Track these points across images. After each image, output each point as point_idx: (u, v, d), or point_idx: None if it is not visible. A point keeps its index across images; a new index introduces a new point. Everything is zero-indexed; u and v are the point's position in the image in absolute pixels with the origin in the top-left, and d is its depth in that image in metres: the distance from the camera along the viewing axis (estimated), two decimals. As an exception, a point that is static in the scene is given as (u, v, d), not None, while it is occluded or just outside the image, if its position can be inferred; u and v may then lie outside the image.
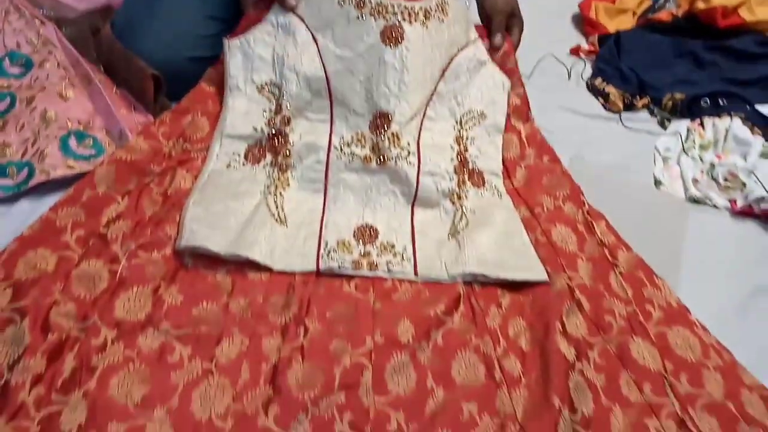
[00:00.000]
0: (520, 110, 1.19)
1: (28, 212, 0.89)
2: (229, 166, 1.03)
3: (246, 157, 1.05)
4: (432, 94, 1.09)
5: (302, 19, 1.06)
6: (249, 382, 0.75)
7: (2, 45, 1.07)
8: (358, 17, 1.03)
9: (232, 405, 0.73)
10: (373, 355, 0.81)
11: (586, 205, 1.07)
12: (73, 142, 0.95)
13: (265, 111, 1.07)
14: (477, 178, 1.09)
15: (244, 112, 1.07)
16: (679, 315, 0.93)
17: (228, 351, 0.78)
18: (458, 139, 1.10)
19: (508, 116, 1.17)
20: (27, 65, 1.05)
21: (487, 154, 1.12)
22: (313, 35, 1.05)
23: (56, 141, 0.94)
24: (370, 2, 1.03)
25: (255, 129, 1.06)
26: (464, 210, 1.02)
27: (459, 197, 1.04)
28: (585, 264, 0.98)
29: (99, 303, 0.79)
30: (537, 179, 1.12)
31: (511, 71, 1.20)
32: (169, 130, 1.04)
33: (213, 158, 1.03)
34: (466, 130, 1.12)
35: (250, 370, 0.77)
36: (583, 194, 1.10)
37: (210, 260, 0.88)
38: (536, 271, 0.95)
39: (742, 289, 1.03)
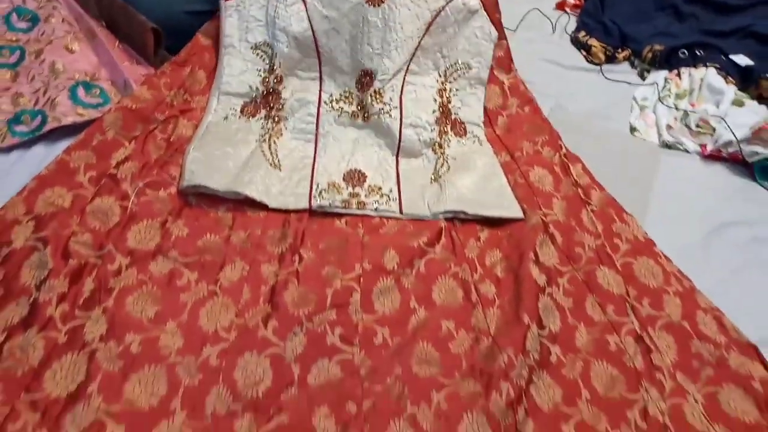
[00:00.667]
0: (502, 61, 1.25)
1: (43, 156, 0.97)
2: (226, 118, 1.11)
3: (242, 111, 1.12)
4: (416, 49, 1.14)
5: None
6: (250, 301, 0.84)
7: (10, 1, 1.12)
8: None
9: (235, 320, 0.82)
10: (362, 280, 0.90)
11: (564, 149, 1.15)
12: (81, 92, 1.02)
13: (259, 70, 1.14)
14: (459, 128, 1.17)
15: (240, 71, 1.13)
16: (645, 247, 1.01)
17: (230, 275, 0.87)
18: (441, 92, 1.17)
19: (492, 68, 1.23)
20: (33, 20, 1.11)
21: (469, 106, 1.19)
22: None
23: (66, 91, 1.01)
24: None
25: (250, 87, 1.13)
26: (446, 157, 1.10)
27: (440, 146, 1.11)
28: (560, 202, 1.06)
29: (112, 234, 0.87)
30: (518, 126, 1.20)
31: (497, 21, 1.25)
32: (170, 80, 1.10)
33: (211, 111, 1.11)
34: (450, 82, 1.18)
35: (251, 292, 0.85)
36: (561, 139, 1.17)
37: (212, 199, 0.96)
38: (512, 209, 1.03)
39: (706, 225, 1.11)
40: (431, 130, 1.11)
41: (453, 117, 1.17)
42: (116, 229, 0.88)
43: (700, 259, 1.04)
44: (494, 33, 1.22)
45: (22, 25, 1.11)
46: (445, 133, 1.14)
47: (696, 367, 0.86)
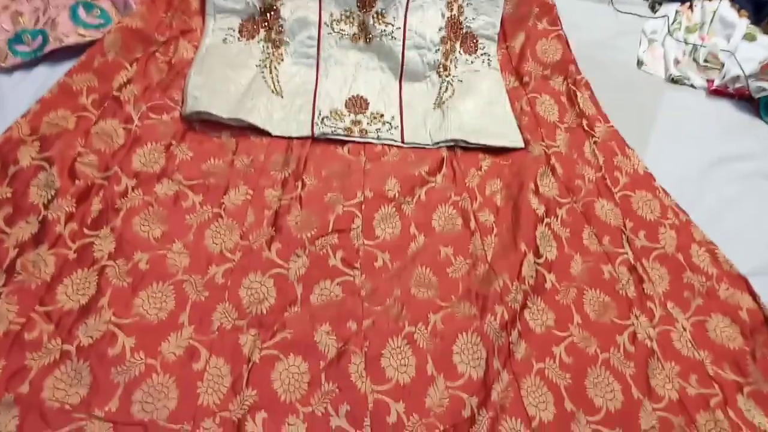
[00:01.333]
0: None
1: (45, 77, 0.96)
2: (225, 40, 1.09)
3: (240, 32, 1.10)
4: None
5: None
6: (254, 224, 0.86)
7: None
8: None
9: (240, 242, 0.84)
10: (363, 207, 0.92)
11: (572, 77, 1.13)
12: (81, 12, 1.00)
13: None
14: (469, 43, 1.14)
15: None
16: (644, 181, 1.02)
17: (234, 199, 0.89)
18: (450, 4, 1.12)
19: None
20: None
21: (486, 15, 1.15)
22: None
23: (66, 10, 0.99)
24: None
25: (247, 3, 1.10)
26: (450, 81, 1.09)
27: (446, 68, 1.10)
28: (563, 134, 1.06)
29: (117, 156, 0.88)
30: (532, 43, 1.17)
31: None
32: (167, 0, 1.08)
33: (209, 33, 1.09)
34: None
35: (255, 215, 0.87)
36: (573, 61, 1.16)
37: (215, 124, 0.97)
38: (514, 139, 1.03)
39: (706, 158, 1.11)
40: (435, 51, 1.09)
41: (464, 31, 1.14)
42: (121, 151, 0.89)
43: (698, 191, 1.05)
44: None
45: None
46: (452, 51, 1.12)
47: (686, 297, 0.89)
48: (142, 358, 0.71)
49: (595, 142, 1.06)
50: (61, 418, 0.65)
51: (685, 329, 0.85)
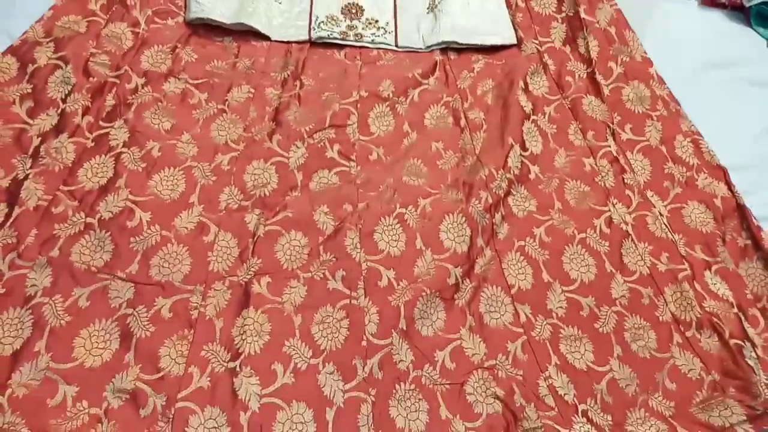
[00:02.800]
0: None
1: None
2: None
3: None
4: None
5: None
6: (256, 118, 0.93)
7: None
8: None
9: (243, 134, 0.91)
10: (359, 105, 0.97)
11: None
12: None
13: None
14: None
15: None
16: (640, 69, 1.05)
17: (237, 96, 0.95)
18: None
19: None
20: None
21: None
22: None
23: None
24: None
25: None
26: None
27: None
28: (559, 26, 1.09)
29: (127, 57, 0.94)
30: None
31: None
32: None
33: None
34: None
35: (256, 110, 0.93)
36: None
37: (218, 29, 1.02)
38: (506, 36, 1.07)
39: (696, 65, 1.14)
40: None
41: None
42: (130, 52, 0.95)
43: (686, 92, 1.08)
44: None
45: None
46: None
47: (666, 187, 0.94)
48: (157, 230, 0.78)
49: (589, 32, 1.07)
50: (88, 278, 0.73)
51: (662, 215, 0.91)
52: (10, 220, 0.76)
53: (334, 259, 0.80)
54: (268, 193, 0.85)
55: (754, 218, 0.90)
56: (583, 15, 1.08)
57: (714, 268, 0.87)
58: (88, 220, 0.77)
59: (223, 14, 1.00)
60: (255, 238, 0.80)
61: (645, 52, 1.06)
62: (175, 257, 0.77)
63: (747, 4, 1.22)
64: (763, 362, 0.76)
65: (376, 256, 0.81)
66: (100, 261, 0.75)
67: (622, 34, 1.08)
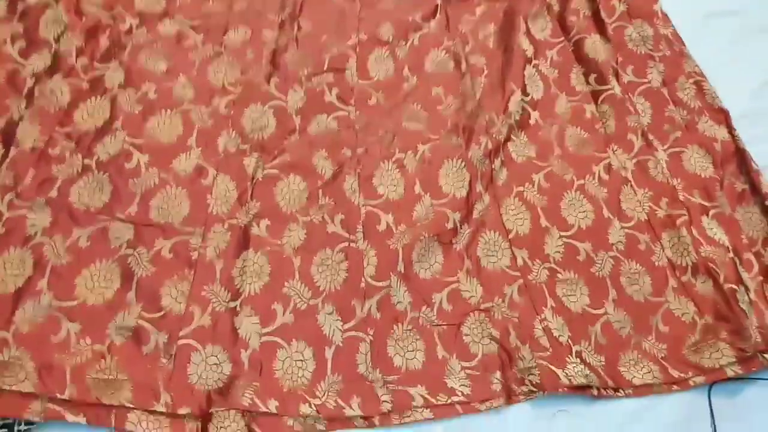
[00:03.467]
0: None
1: None
2: None
3: None
4: None
5: None
6: (253, 60, 0.91)
7: None
8: None
9: (240, 77, 0.89)
10: (358, 48, 0.96)
11: None
12: None
13: None
14: None
15: None
16: (643, 6, 1.03)
17: (234, 38, 0.93)
18: None
19: None
20: None
21: None
22: None
23: None
24: None
25: None
26: None
27: None
28: None
29: (120, -4, 0.92)
30: None
31: None
32: None
33: None
34: None
35: (254, 53, 0.92)
36: None
37: (213, -31, 0.99)
38: None
39: (699, 12, 1.12)
40: None
41: None
42: (123, -9, 0.92)
43: (690, 43, 1.05)
44: None
45: None
46: None
47: (666, 131, 0.93)
48: (156, 172, 0.78)
49: None
50: (87, 219, 0.73)
51: (661, 159, 0.91)
52: (7, 161, 0.75)
53: (333, 203, 0.80)
54: (266, 137, 0.84)
55: (754, 162, 0.89)
56: None
57: (711, 213, 0.86)
58: (86, 161, 0.77)
59: (218, -47, 0.97)
60: (254, 182, 0.80)
61: None
62: (174, 199, 0.77)
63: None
64: (755, 306, 0.77)
65: (375, 201, 0.81)
66: (99, 202, 0.75)
67: None
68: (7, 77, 0.82)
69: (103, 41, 0.87)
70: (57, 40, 0.85)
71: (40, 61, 0.83)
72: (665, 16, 1.01)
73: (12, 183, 0.74)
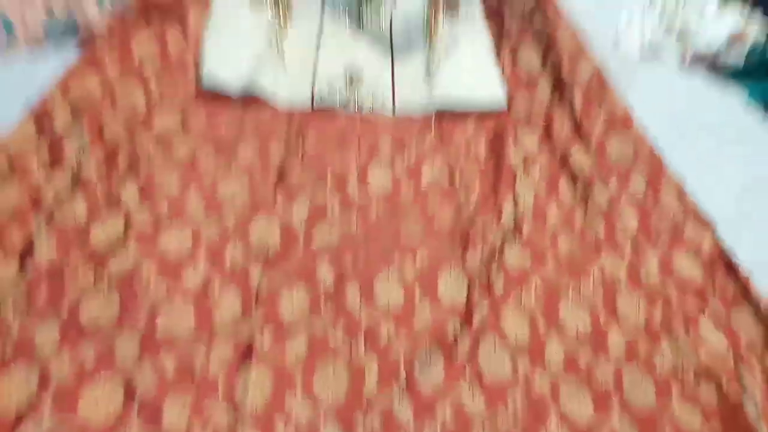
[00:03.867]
0: None
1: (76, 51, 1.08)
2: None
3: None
4: None
5: None
6: (260, 177, 0.97)
7: None
8: None
9: (248, 191, 0.95)
10: (358, 164, 1.02)
11: (551, 14, 1.20)
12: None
13: None
14: (452, 4, 1.23)
15: None
16: (622, 122, 1.10)
17: (243, 155, 1.00)
18: None
19: None
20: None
21: None
22: None
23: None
24: None
25: None
26: (437, 46, 1.18)
27: (432, 38, 1.19)
28: (545, 82, 1.15)
29: (140, 121, 1.00)
30: None
31: None
32: None
33: None
34: None
35: (261, 170, 0.98)
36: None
37: (225, 96, 1.07)
38: (497, 98, 1.13)
39: (676, 126, 1.19)
40: (423, 19, 1.19)
41: None
42: (143, 116, 1.00)
43: (668, 154, 1.12)
44: None
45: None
46: (437, 20, 1.20)
47: (654, 236, 0.97)
48: (164, 287, 0.81)
49: (573, 88, 1.13)
50: (95, 334, 0.75)
51: (651, 264, 0.94)
52: (21, 277, 0.78)
53: (334, 312, 0.82)
54: (270, 249, 0.88)
55: (741, 268, 0.92)
56: (565, 71, 1.13)
57: (707, 315, 0.88)
58: (98, 276, 0.80)
59: (233, 85, 1.06)
60: (258, 294, 0.83)
61: (626, 106, 1.11)
62: (180, 313, 0.79)
63: (725, 65, 1.29)
64: (764, 414, 0.77)
65: (376, 309, 0.83)
66: (107, 317, 0.77)
67: (603, 89, 1.12)
68: (29, 196, 0.87)
69: (122, 161, 0.94)
70: (79, 159, 0.91)
71: (61, 180, 0.89)
72: (643, 129, 1.08)
73: (23, 299, 0.76)
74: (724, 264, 0.94)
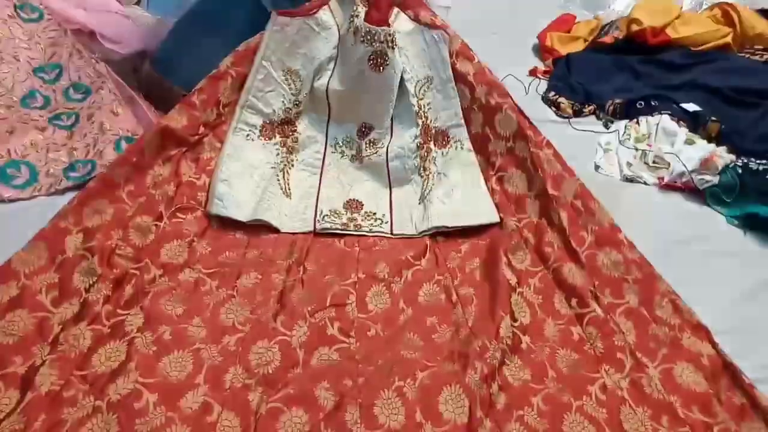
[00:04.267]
0: (463, 52, 1.33)
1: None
2: (247, 137, 1.29)
3: (261, 131, 1.31)
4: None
5: (339, 30, 1.30)
6: (262, 301, 1.00)
7: (68, 78, 1.37)
8: (352, 44, 1.29)
9: (250, 316, 0.97)
10: (357, 286, 1.06)
11: (534, 138, 1.23)
12: (124, 144, 1.23)
13: (284, 96, 1.32)
14: (442, 139, 1.32)
15: (268, 90, 1.30)
16: (609, 236, 1.12)
17: (245, 282, 1.03)
18: (419, 113, 1.30)
19: (453, 63, 1.31)
20: (87, 92, 1.35)
21: (445, 109, 1.32)
22: (337, 52, 1.30)
23: (112, 144, 1.22)
24: (360, 30, 1.27)
25: (273, 110, 1.31)
26: (430, 176, 1.27)
27: (425, 168, 1.28)
28: (532, 202, 1.20)
29: (148, 249, 1.05)
30: (489, 118, 1.28)
31: (443, 26, 1.34)
32: (206, 96, 1.27)
33: (232, 130, 1.28)
34: (421, 98, 1.32)
35: (262, 295, 1.01)
36: (531, 127, 1.26)
37: (231, 224, 1.14)
38: (490, 215, 1.19)
39: (662, 241, 1.25)
40: (414, 157, 1.29)
41: (433, 131, 1.31)
42: (152, 245, 1.06)
43: (658, 269, 1.16)
44: (439, 34, 1.31)
45: (78, 96, 1.35)
46: (429, 152, 1.29)
47: (653, 348, 0.97)
48: (162, 411, 0.81)
49: (559, 206, 1.16)
50: (90, 462, 0.74)
51: (653, 377, 0.93)
52: (21, 406, 0.78)
53: (334, 434, 0.81)
54: (271, 371, 0.89)
55: (745, 376, 0.91)
56: (550, 191, 1.17)
57: (716, 429, 0.86)
58: (97, 403, 0.80)
59: (241, 214, 1.14)
60: (257, 416, 0.82)
61: (612, 220, 1.15)
62: (179, 437, 0.78)
63: (700, 187, 1.37)
64: None
65: (377, 431, 0.82)
66: (104, 443, 0.76)
67: (588, 205, 1.16)
68: (36, 325, 0.89)
69: (128, 289, 0.97)
70: (87, 290, 0.95)
71: (68, 309, 0.92)
72: (631, 243, 1.12)
73: (22, 428, 0.76)
74: (727, 374, 0.93)
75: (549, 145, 1.23)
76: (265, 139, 1.30)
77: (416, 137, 1.30)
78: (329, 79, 1.31)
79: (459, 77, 1.31)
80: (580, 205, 1.16)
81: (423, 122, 1.31)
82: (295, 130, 1.32)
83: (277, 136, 1.31)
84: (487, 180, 1.26)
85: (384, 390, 0.88)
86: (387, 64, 1.28)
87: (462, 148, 1.32)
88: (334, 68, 1.31)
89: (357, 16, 1.27)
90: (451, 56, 1.31)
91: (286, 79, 1.32)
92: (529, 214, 1.18)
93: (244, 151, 1.26)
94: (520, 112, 1.27)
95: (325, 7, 1.31)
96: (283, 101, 1.33)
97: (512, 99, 1.29)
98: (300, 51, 1.31)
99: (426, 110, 1.32)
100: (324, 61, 1.31)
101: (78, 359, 0.86)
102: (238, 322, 0.96)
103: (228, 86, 1.28)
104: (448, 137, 1.33)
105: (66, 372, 0.84)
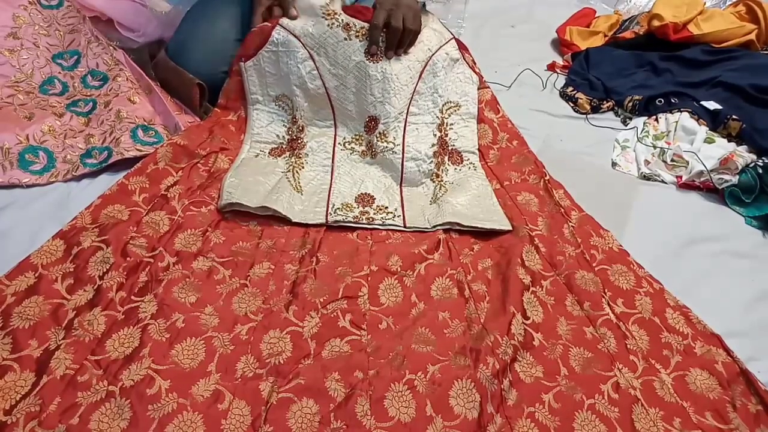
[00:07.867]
0: (491, 104, 1.46)
1: (107, 182, 1.16)
2: (257, 156, 1.31)
3: (270, 153, 1.33)
4: (413, 94, 1.34)
5: (299, 38, 1.29)
6: (274, 291, 1.00)
7: (86, 65, 1.38)
8: (345, 38, 1.29)
9: (262, 306, 0.97)
10: (369, 278, 1.05)
11: (547, 176, 1.32)
12: (140, 133, 1.23)
13: (284, 121, 1.35)
14: (456, 157, 1.35)
15: (268, 123, 1.35)
16: (619, 257, 1.15)
17: (258, 272, 1.03)
18: (440, 126, 1.36)
19: (481, 109, 1.43)
20: (104, 79, 1.36)
21: (464, 137, 1.38)
22: (309, 53, 1.30)
23: (128, 132, 1.23)
24: (355, 25, 1.29)
25: (277, 136, 1.34)
26: (443, 184, 1.28)
27: (438, 176, 1.29)
28: (544, 220, 1.21)
29: (162, 239, 1.05)
30: (507, 158, 1.38)
31: (477, 72, 1.46)
32: (211, 126, 1.32)
33: (244, 151, 1.31)
34: (446, 117, 1.38)
35: (275, 285, 1.01)
36: (545, 168, 1.34)
37: (244, 215, 1.14)
38: (502, 222, 1.18)
39: (679, 240, 1.24)
40: (429, 162, 1.29)
41: (450, 148, 1.35)
42: (166, 236, 1.06)
43: (673, 267, 1.16)
44: (475, 77, 1.44)
45: (95, 83, 1.36)
46: (443, 163, 1.32)
47: (666, 355, 0.97)
48: (174, 398, 0.81)
49: (572, 226, 1.20)
50: (103, 446, 0.74)
51: (666, 382, 0.93)
52: (37, 389, 0.79)
53: (344, 426, 0.81)
54: (282, 362, 0.89)
55: (761, 383, 0.90)
56: (563, 208, 1.23)
57: (733, 438, 0.85)
58: (110, 388, 0.81)
59: (250, 201, 1.14)
60: (268, 406, 0.82)
61: (620, 245, 1.17)
62: (190, 425, 0.78)
63: (719, 187, 1.35)
64: None
65: (387, 423, 0.82)
66: (117, 429, 0.76)
67: (598, 231, 1.20)
68: (51, 311, 0.90)
69: (142, 277, 0.98)
70: (101, 277, 0.96)
71: (83, 296, 0.93)
72: (639, 264, 1.13)
73: (37, 410, 0.77)
74: (743, 380, 0.92)
75: (561, 186, 1.31)
76: (275, 157, 1.32)
77: (433, 145, 1.31)
78: (323, 80, 1.31)
79: (484, 120, 1.43)
80: (590, 230, 1.20)
81: (441, 135, 1.34)
82: (304, 144, 1.32)
83: (287, 152, 1.33)
84: (500, 198, 1.27)
85: (395, 383, 0.87)
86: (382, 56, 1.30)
87: (475, 169, 1.34)
88: (317, 67, 1.29)
89: (338, 15, 1.28)
90: (479, 102, 1.43)
91: (280, 106, 1.36)
92: (540, 228, 1.19)
93: (253, 162, 1.28)
94: (536, 159, 1.37)
95: (277, 27, 1.30)
96: (284, 124, 1.36)
97: (528, 147, 1.42)
98: (275, 75, 1.33)
99: (447, 128, 1.37)
100: (301, 67, 1.30)
101: (92, 344, 0.86)
102: (250, 312, 0.96)
103: (225, 123, 1.35)
104: (462, 158, 1.36)
105: (80, 356, 0.84)
